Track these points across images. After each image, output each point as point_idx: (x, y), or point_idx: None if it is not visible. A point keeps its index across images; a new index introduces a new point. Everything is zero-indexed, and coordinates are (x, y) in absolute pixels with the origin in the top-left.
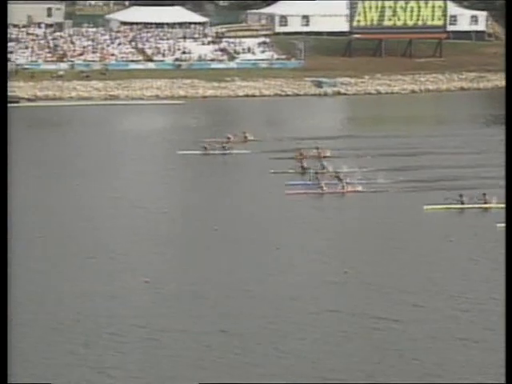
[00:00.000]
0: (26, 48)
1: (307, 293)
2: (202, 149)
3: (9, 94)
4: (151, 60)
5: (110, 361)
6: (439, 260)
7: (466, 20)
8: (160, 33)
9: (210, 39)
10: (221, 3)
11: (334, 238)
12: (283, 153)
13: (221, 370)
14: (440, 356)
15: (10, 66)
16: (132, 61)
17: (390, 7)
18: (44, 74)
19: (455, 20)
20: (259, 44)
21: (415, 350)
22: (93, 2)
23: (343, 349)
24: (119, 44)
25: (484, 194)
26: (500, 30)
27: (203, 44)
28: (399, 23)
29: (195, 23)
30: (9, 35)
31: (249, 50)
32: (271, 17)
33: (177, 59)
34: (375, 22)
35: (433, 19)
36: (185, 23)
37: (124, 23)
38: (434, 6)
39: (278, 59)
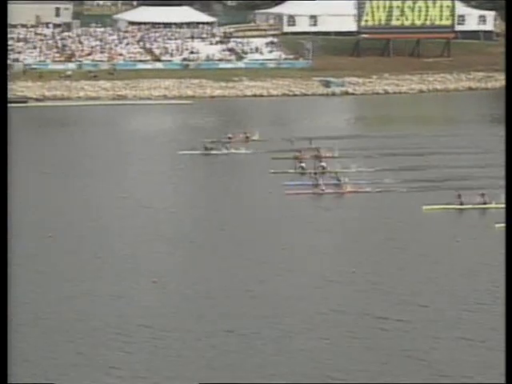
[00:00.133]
0: (34, 48)
1: (315, 293)
2: (204, 149)
3: (17, 94)
4: (159, 60)
5: (116, 361)
6: (438, 260)
7: (474, 20)
8: (168, 33)
9: (217, 39)
10: (229, 3)
11: (332, 239)
12: (284, 153)
13: (226, 370)
14: (447, 356)
15: (19, 66)
16: (140, 61)
17: (398, 7)
18: (52, 74)
19: (463, 20)
20: (267, 44)
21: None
22: (101, 2)
23: (349, 349)
24: (127, 44)
25: (483, 194)
26: None
27: (211, 44)
28: (407, 23)
29: (203, 23)
30: (17, 35)
31: (257, 49)
32: (279, 17)
33: (185, 59)
34: (383, 22)
35: (441, 19)
36: (193, 23)
37: (132, 23)
38: (441, 6)
39: (285, 59)
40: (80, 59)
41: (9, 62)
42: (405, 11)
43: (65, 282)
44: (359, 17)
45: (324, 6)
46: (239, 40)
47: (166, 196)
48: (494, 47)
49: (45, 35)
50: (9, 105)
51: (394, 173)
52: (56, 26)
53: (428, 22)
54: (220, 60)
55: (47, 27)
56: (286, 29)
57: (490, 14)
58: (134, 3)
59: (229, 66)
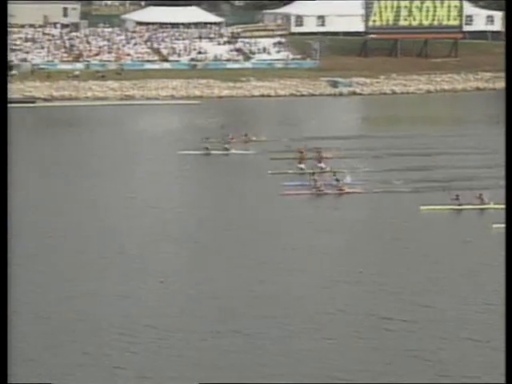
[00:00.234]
0: (42, 48)
1: (321, 293)
2: (204, 149)
3: (25, 94)
4: (167, 60)
5: (121, 361)
6: (438, 260)
7: (481, 20)
8: (176, 33)
9: (225, 39)
10: (236, 3)
11: (331, 239)
12: (285, 153)
13: (231, 370)
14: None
15: (27, 66)
16: (147, 61)
17: (406, 7)
18: (60, 74)
19: (471, 20)
20: (275, 44)
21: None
22: (109, 2)
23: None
24: (135, 44)
25: (481, 195)
26: None
27: (219, 44)
28: (415, 23)
29: (211, 23)
30: (25, 35)
31: (264, 50)
32: (287, 17)
33: (192, 59)
34: (391, 22)
35: (448, 19)
36: (200, 23)
37: (140, 23)
38: (449, 6)
39: (293, 59)
40: (88, 59)
41: (17, 62)
42: (412, 11)
43: (72, 282)
44: (367, 17)
45: (332, 7)
46: (247, 40)
47: (166, 196)
48: (501, 47)
49: (53, 35)
50: (17, 105)
51: (396, 173)
52: (64, 26)
53: (436, 23)
54: (228, 60)
55: (55, 27)
56: (294, 29)
57: (498, 15)
58: (142, 3)
59: (236, 66)
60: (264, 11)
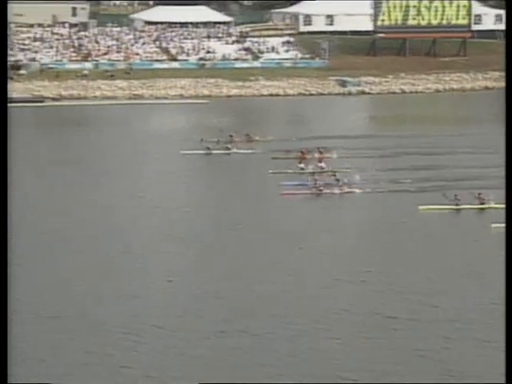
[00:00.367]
0: (51, 47)
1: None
2: (206, 149)
3: (34, 93)
4: (175, 59)
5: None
6: (434, 260)
7: (490, 19)
8: (184, 32)
9: (234, 38)
10: (245, 3)
11: (329, 239)
12: (287, 153)
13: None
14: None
15: (35, 66)
16: (156, 60)
17: (415, 6)
18: (69, 74)
19: (480, 19)
20: (283, 43)
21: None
22: (117, 2)
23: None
24: (143, 43)
25: (479, 194)
26: None
27: (227, 43)
28: (423, 22)
29: (219, 23)
30: (34, 35)
31: (273, 49)
32: (295, 16)
33: (201, 58)
34: (399, 22)
35: (457, 18)
36: (209, 23)
37: (148, 23)
38: (458, 5)
39: (302, 58)
40: (96, 59)
41: (26, 61)
42: (421, 11)
43: (79, 281)
44: (375, 16)
45: (340, 6)
46: (255, 39)
47: (167, 195)
48: None
49: (61, 35)
50: (26, 104)
51: (399, 173)
52: (72, 25)
53: (444, 22)
54: (236, 59)
55: (64, 27)
56: (303, 28)
57: None
58: (151, 3)
59: (245, 65)
60: (272, 10)
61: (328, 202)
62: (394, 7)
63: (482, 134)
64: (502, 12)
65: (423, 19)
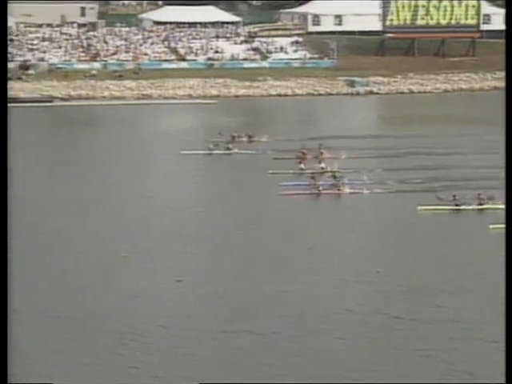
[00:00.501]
0: (60, 47)
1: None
2: (207, 149)
3: (43, 93)
4: (184, 59)
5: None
6: (434, 260)
7: (499, 19)
8: (193, 32)
9: (242, 39)
10: (253, 3)
11: (327, 239)
12: (288, 153)
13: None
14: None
15: (44, 66)
16: (165, 60)
17: (423, 6)
18: (77, 74)
19: (489, 19)
20: (292, 43)
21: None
22: (126, 2)
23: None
24: (152, 43)
25: (479, 195)
26: None
27: (236, 43)
28: (432, 22)
29: (228, 23)
30: (42, 35)
31: (281, 49)
32: (304, 16)
33: (209, 58)
34: (408, 22)
35: (466, 18)
36: (217, 23)
37: (157, 23)
38: (467, 5)
39: (310, 58)
40: (105, 59)
41: (34, 61)
42: (430, 10)
43: (88, 280)
44: (384, 16)
45: (349, 6)
46: (264, 39)
47: (169, 195)
48: None
49: (70, 35)
50: (34, 104)
51: (402, 173)
52: (81, 25)
53: (453, 22)
54: (245, 59)
55: (72, 27)
56: (311, 28)
57: None
58: (159, 3)
59: (253, 65)
60: (281, 10)
61: (326, 202)
62: (403, 7)
63: (491, 134)
64: None
65: (432, 19)
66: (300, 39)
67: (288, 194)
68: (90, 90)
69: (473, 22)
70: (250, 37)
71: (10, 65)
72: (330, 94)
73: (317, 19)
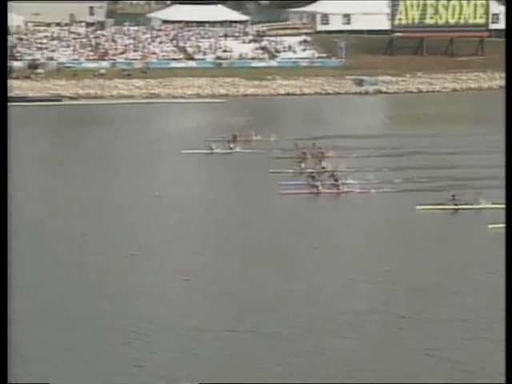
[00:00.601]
0: (68, 46)
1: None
2: (208, 148)
3: (51, 92)
4: (192, 58)
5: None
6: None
7: None
8: (201, 31)
9: (250, 38)
10: (262, 2)
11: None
12: (290, 152)
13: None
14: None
15: (52, 65)
16: (173, 59)
17: (432, 5)
18: (86, 73)
19: (497, 18)
20: (300, 42)
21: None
22: (134, 1)
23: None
24: (160, 42)
25: (478, 194)
26: None
27: (244, 42)
28: (441, 22)
29: (236, 22)
30: (51, 34)
31: (290, 48)
32: (312, 15)
33: (218, 58)
34: (417, 21)
35: (475, 17)
36: (226, 22)
37: (165, 22)
38: (476, 5)
39: (319, 58)
40: (113, 58)
41: (43, 60)
42: (439, 10)
43: (96, 279)
44: (393, 15)
45: (357, 5)
46: (272, 39)
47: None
48: None
49: (79, 34)
50: (43, 103)
51: (403, 172)
52: (90, 24)
53: (462, 21)
54: (253, 59)
55: (81, 26)
56: (320, 27)
57: None
58: (168, 2)
59: (262, 64)
60: (289, 9)
61: (325, 201)
62: (412, 6)
63: (499, 133)
64: None
65: (441, 18)
66: (308, 38)
67: (287, 194)
68: (98, 89)
69: (481, 21)
70: (259, 36)
71: (19, 64)
72: (339, 94)
73: (325, 18)
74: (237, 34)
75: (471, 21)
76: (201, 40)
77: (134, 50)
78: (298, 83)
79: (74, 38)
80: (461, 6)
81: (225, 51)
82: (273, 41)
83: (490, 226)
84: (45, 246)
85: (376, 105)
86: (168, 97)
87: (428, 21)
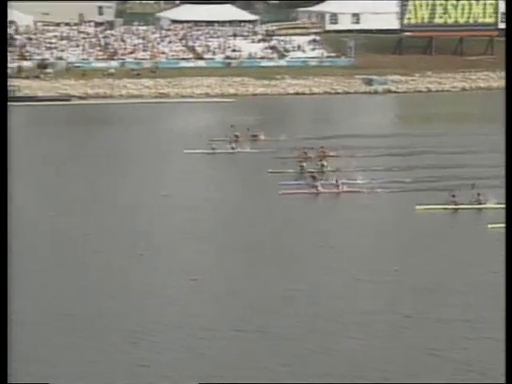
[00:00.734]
0: (77, 46)
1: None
2: (210, 148)
3: (60, 92)
4: (201, 58)
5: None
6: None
7: None
8: (210, 31)
9: (260, 37)
10: (271, 1)
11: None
12: (291, 151)
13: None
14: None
15: (61, 65)
16: (182, 59)
17: (441, 5)
18: (95, 72)
19: None
20: (309, 42)
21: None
22: (143, 1)
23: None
24: (169, 42)
25: (478, 194)
26: None
27: (253, 42)
28: (450, 21)
29: (245, 21)
30: (60, 33)
31: (299, 47)
32: (321, 15)
33: (227, 57)
34: (426, 20)
35: (484, 17)
36: (235, 21)
37: (174, 21)
38: (485, 4)
39: (328, 57)
40: (123, 57)
41: (52, 60)
42: (448, 9)
43: (104, 279)
44: (402, 15)
45: (366, 4)
46: (281, 38)
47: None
48: None
49: (88, 33)
50: (52, 103)
51: (404, 172)
52: (99, 24)
53: (471, 20)
54: (262, 58)
55: (90, 25)
56: (329, 27)
57: None
58: (177, 1)
59: (271, 64)
60: (298, 9)
61: (324, 202)
62: (421, 5)
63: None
64: None
65: (450, 17)
66: (317, 38)
67: (287, 194)
68: (107, 89)
69: (491, 20)
70: (268, 35)
71: (29, 63)
72: (348, 93)
73: (334, 18)
74: (246, 34)
75: (480, 20)
76: (210, 39)
77: (143, 50)
78: (307, 83)
79: (84, 38)
80: (470, 6)
81: (234, 51)
82: (282, 40)
83: (489, 226)
84: (53, 243)
85: (385, 104)
86: (177, 96)
87: (437, 20)
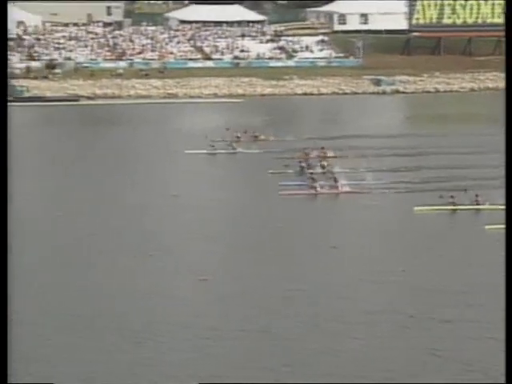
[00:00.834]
0: (86, 46)
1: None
2: (211, 148)
3: (69, 92)
4: (210, 58)
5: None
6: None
7: None
8: (218, 31)
9: (268, 37)
10: (279, 2)
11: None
12: (292, 152)
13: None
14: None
15: (70, 65)
16: (190, 59)
17: (450, 5)
18: (103, 73)
19: None
20: (317, 42)
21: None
22: (152, 1)
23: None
24: (178, 42)
25: (476, 196)
26: None
27: (261, 42)
28: (459, 21)
29: (254, 21)
30: (69, 34)
31: (307, 48)
32: (330, 15)
33: (235, 57)
34: (434, 20)
35: (493, 17)
36: (243, 21)
37: (183, 22)
38: (493, 4)
39: (336, 57)
40: (131, 58)
41: (61, 60)
42: (456, 9)
43: (113, 279)
44: (410, 15)
45: (375, 5)
46: (290, 38)
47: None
48: None
49: (96, 34)
50: (60, 103)
51: (411, 173)
52: (107, 24)
53: (480, 20)
54: (270, 58)
55: (98, 26)
56: (337, 27)
57: None
58: (185, 2)
59: (279, 64)
60: (307, 9)
61: (323, 202)
62: (429, 6)
63: None
64: None
65: (458, 18)
66: (326, 38)
67: (287, 194)
68: (115, 89)
69: (499, 20)
70: (276, 36)
71: (37, 64)
72: (356, 93)
73: (343, 18)
74: (254, 34)
75: (489, 20)
76: (218, 40)
77: (152, 50)
78: (316, 83)
79: (92, 38)
80: (478, 6)
81: (242, 51)
82: (290, 41)
83: (487, 227)
84: (62, 243)
85: (393, 105)
86: (185, 97)
87: (446, 20)
